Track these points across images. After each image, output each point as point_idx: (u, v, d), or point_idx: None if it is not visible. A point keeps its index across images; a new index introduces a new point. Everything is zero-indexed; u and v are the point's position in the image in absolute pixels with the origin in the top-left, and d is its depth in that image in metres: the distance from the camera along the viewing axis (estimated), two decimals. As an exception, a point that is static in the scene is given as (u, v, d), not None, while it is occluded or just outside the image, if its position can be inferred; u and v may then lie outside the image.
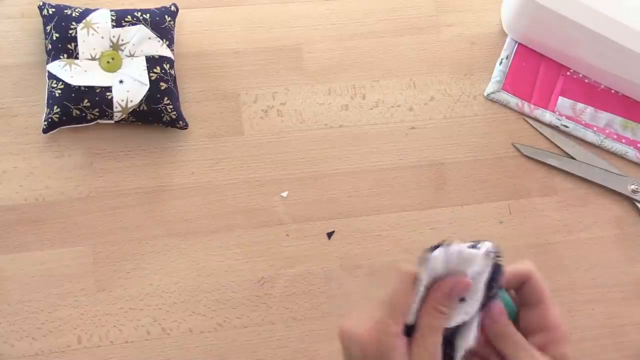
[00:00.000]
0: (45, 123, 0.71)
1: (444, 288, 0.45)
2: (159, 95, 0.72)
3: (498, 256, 0.45)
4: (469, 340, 0.45)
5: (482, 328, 0.47)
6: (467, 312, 0.45)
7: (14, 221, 0.71)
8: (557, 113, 0.81)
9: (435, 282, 0.45)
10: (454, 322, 0.45)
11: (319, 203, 0.75)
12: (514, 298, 0.48)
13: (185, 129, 0.74)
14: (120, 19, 0.73)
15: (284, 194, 0.75)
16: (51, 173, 0.72)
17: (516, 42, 0.83)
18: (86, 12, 0.73)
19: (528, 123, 0.81)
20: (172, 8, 0.76)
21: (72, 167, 0.73)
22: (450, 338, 0.46)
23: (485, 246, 0.46)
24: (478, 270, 0.45)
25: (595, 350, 0.75)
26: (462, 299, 0.45)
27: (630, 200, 0.79)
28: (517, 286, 0.48)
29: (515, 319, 0.48)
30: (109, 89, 0.71)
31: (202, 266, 0.72)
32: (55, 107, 0.70)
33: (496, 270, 0.45)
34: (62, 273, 0.70)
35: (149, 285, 0.71)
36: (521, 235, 0.77)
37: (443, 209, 0.77)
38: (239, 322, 0.71)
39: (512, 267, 0.47)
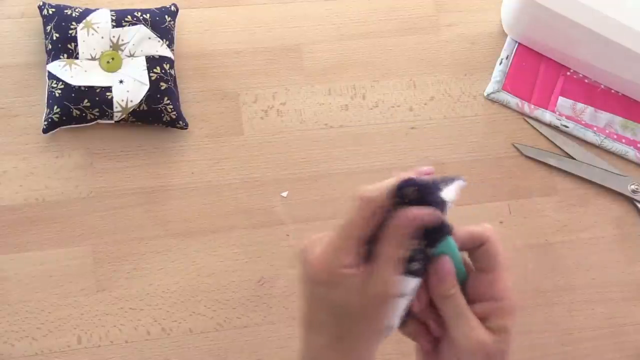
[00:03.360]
0: (45, 123, 0.71)
1: (406, 216, 0.42)
2: (159, 95, 0.72)
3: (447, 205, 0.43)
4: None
5: (427, 285, 0.45)
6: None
7: (14, 221, 0.71)
8: (557, 113, 0.81)
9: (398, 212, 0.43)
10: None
11: (319, 203, 0.75)
12: (467, 264, 0.46)
13: (185, 129, 0.74)
14: (120, 19, 0.73)
15: (284, 194, 0.75)
16: (51, 173, 0.72)
17: (516, 42, 0.83)
18: (86, 12, 0.73)
19: (528, 123, 0.81)
20: (172, 8, 0.76)
21: (72, 167, 0.73)
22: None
23: (454, 186, 0.44)
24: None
25: (595, 350, 0.75)
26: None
27: (630, 200, 0.79)
28: (472, 248, 0.45)
29: (464, 285, 0.46)
30: (109, 89, 0.71)
31: (202, 266, 0.72)
32: (55, 107, 0.70)
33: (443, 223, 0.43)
34: (62, 273, 0.70)
35: (149, 285, 0.71)
36: (521, 235, 0.77)
37: (443, 209, 0.77)
38: (239, 322, 0.71)
39: (469, 228, 0.45)
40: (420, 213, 0.43)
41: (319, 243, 0.44)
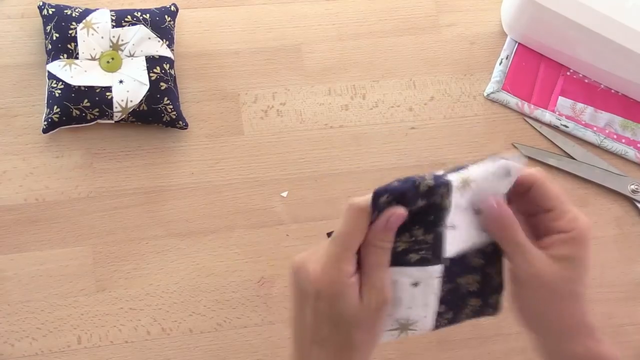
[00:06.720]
0: (45, 123, 0.71)
1: (379, 223, 0.43)
2: (159, 95, 0.72)
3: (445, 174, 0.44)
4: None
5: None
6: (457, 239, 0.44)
7: (14, 221, 0.71)
8: (557, 113, 0.81)
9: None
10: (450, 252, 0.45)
11: (319, 203, 0.75)
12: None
13: (185, 129, 0.74)
14: (120, 19, 0.73)
15: (284, 194, 0.75)
16: (51, 173, 0.72)
17: (516, 42, 0.83)
18: (86, 12, 0.73)
19: (528, 123, 0.81)
20: (172, 8, 0.76)
21: (72, 167, 0.73)
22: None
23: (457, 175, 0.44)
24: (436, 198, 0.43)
25: (595, 350, 0.75)
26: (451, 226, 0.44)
27: (630, 200, 0.79)
28: (521, 192, 0.46)
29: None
30: (109, 89, 0.71)
31: (202, 266, 0.72)
32: (55, 107, 0.70)
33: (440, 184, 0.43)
34: (62, 273, 0.70)
35: (149, 285, 0.71)
36: (521, 235, 0.77)
37: (443, 209, 0.77)
38: (239, 322, 0.71)
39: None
40: (390, 216, 0.43)
41: (312, 259, 0.45)
